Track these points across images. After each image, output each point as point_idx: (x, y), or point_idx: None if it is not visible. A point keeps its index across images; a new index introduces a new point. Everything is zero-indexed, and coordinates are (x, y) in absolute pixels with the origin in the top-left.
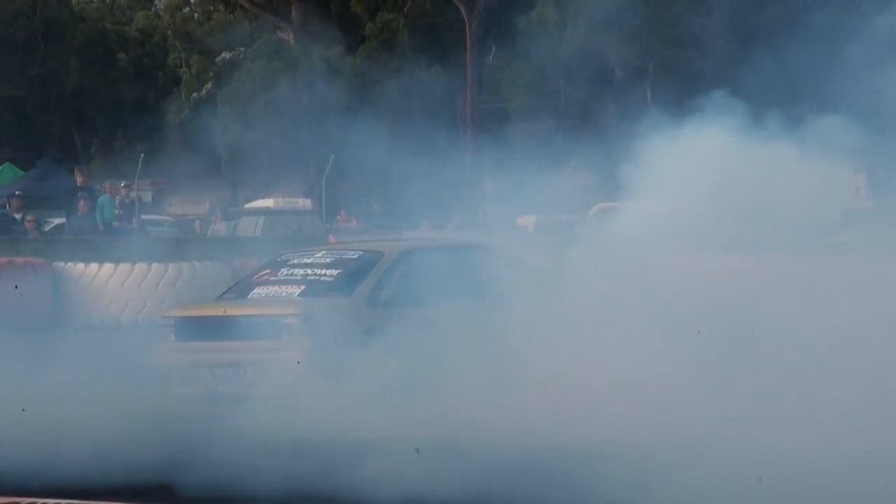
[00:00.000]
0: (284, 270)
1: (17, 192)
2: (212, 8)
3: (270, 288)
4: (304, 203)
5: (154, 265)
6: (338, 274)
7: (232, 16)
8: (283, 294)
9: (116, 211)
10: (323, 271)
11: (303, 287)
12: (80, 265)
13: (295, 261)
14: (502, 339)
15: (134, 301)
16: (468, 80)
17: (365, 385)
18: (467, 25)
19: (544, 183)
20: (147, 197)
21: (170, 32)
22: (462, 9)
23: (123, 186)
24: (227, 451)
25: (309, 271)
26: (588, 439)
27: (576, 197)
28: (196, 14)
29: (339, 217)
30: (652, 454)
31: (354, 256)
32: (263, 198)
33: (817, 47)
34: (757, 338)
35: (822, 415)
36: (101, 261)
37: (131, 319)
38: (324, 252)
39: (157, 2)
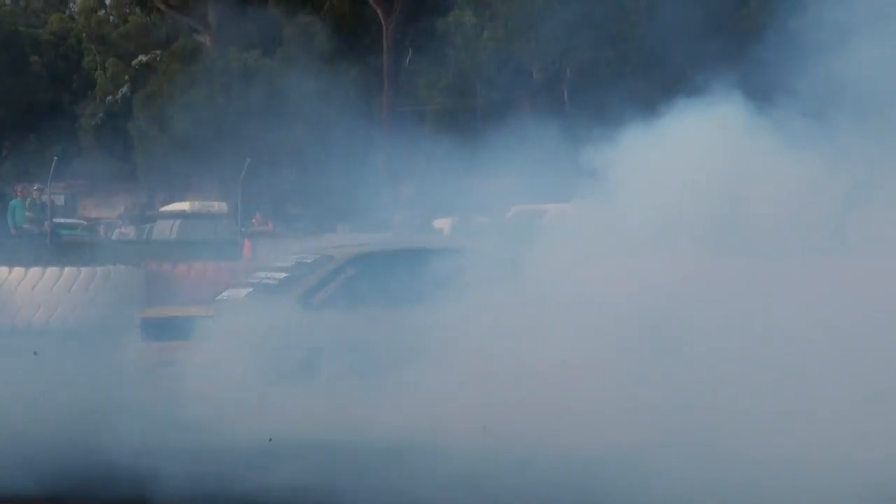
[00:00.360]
0: (258, 273)
1: None
2: (128, 10)
3: (234, 290)
4: (219, 206)
5: (66, 269)
6: (287, 277)
7: (148, 18)
8: (233, 296)
9: (27, 213)
10: (280, 274)
11: (251, 289)
12: None
13: (274, 263)
14: (437, 341)
15: (46, 305)
16: (385, 83)
17: (281, 385)
18: (384, 28)
19: (461, 185)
20: (59, 200)
21: (84, 35)
22: (379, 12)
23: (35, 189)
24: (130, 455)
25: (269, 274)
26: (509, 442)
27: (493, 199)
28: (112, 17)
29: (254, 220)
30: (579, 457)
31: (310, 260)
32: (179, 201)
33: (731, 46)
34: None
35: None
36: (11, 264)
37: (43, 323)
38: (296, 255)
39: (71, 4)
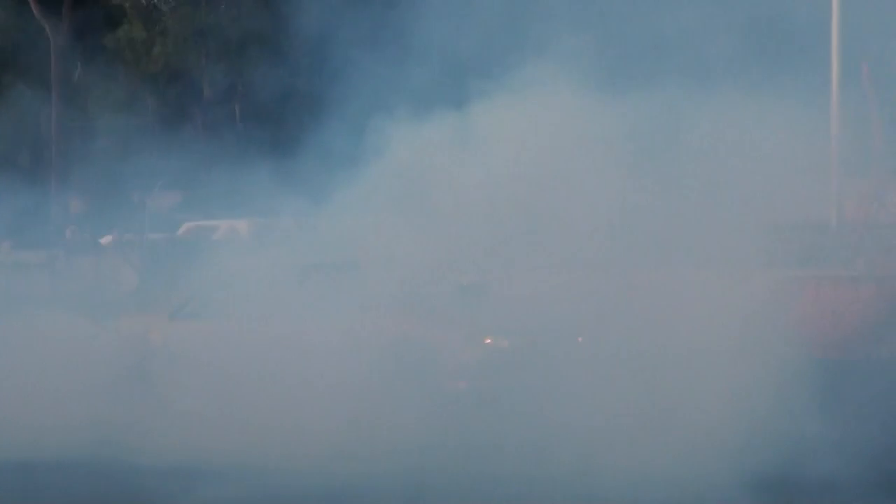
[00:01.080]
0: None
1: None
2: None
3: None
4: None
5: None
6: None
7: None
8: None
9: None
10: None
11: None
12: None
13: None
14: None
15: None
16: (53, 97)
17: None
18: (52, 42)
19: (133, 201)
20: None
21: None
22: (46, 25)
23: None
24: None
25: None
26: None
27: (164, 215)
28: None
29: None
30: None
31: None
32: None
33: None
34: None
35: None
36: None
37: None
38: None
39: None
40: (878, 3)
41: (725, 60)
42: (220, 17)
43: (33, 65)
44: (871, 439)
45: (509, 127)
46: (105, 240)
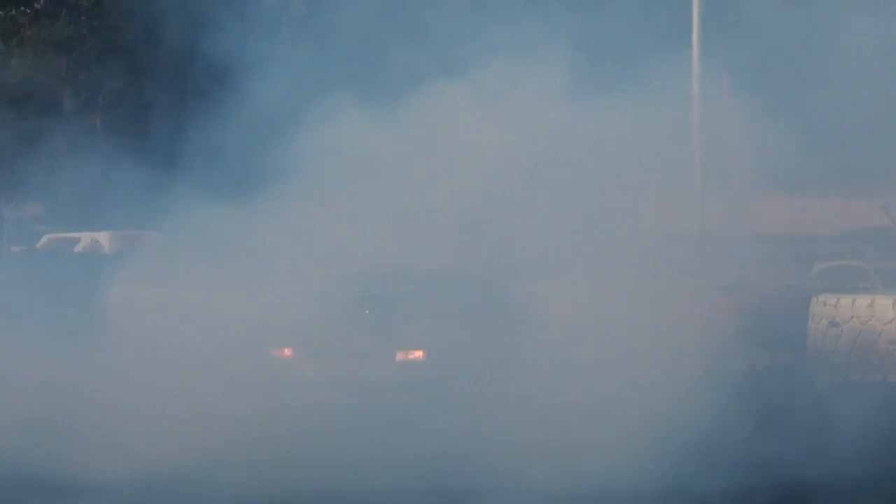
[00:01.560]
0: None
1: None
2: None
3: None
4: None
5: None
6: None
7: None
8: None
9: None
10: None
11: None
12: None
13: None
14: None
15: None
16: None
17: None
18: None
19: None
20: None
21: None
22: None
23: None
24: None
25: None
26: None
27: (24, 227)
28: None
29: None
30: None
31: None
32: None
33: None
34: None
35: None
36: None
37: None
38: None
39: None
40: (738, 12)
41: (587, 71)
42: (80, 28)
43: None
44: (741, 446)
45: (357, 141)
46: None
